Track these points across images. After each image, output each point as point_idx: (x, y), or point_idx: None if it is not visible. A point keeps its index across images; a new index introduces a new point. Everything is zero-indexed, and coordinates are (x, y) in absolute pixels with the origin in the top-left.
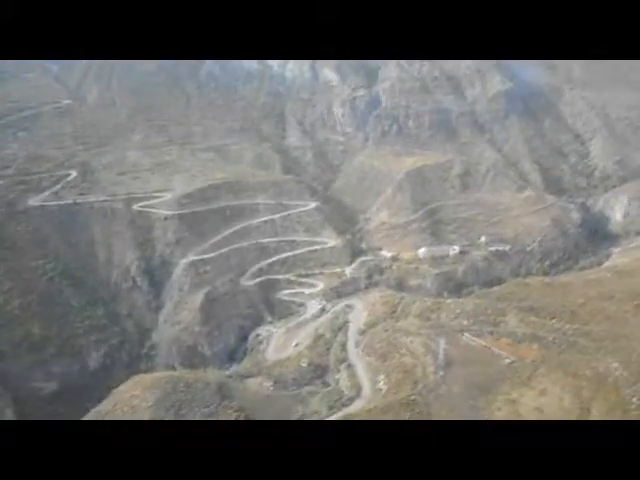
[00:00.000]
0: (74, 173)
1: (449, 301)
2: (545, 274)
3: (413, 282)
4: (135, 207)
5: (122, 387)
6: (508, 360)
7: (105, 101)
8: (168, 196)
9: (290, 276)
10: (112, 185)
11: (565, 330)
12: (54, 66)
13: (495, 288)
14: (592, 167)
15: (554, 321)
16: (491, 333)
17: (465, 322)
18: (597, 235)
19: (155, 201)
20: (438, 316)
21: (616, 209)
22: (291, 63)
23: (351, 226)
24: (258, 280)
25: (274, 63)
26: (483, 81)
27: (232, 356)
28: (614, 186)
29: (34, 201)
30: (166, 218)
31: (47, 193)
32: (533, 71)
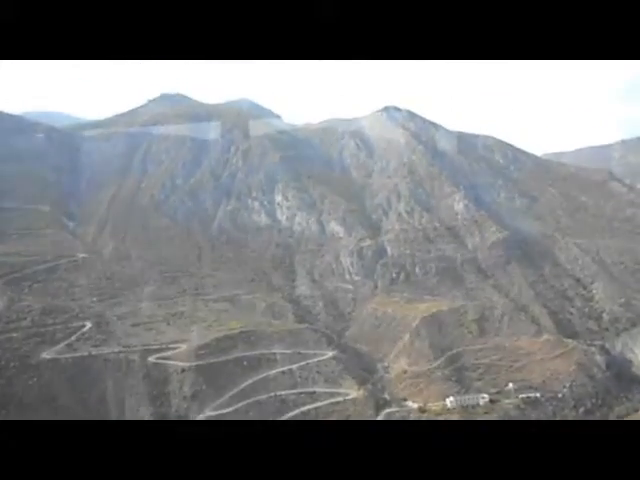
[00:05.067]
0: (88, 324)
1: None
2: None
3: None
4: (150, 359)
5: None
6: None
7: (119, 254)
8: (184, 347)
9: None
10: (126, 336)
11: None
12: (71, 223)
13: None
14: (599, 310)
15: None
16: None
17: None
18: (624, 379)
19: (170, 352)
20: None
21: (637, 352)
22: (298, 217)
23: (371, 375)
24: None
25: (282, 217)
26: (480, 230)
27: None
28: (625, 329)
29: (47, 354)
30: (183, 370)
31: (61, 345)
32: (524, 221)
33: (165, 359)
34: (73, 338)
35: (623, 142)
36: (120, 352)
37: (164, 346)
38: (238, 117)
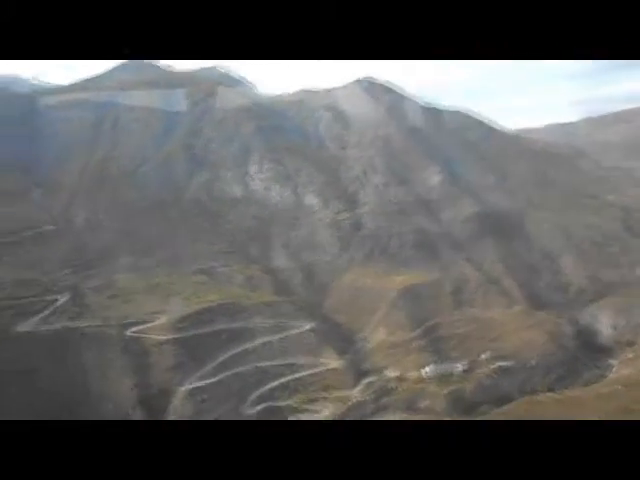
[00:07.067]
0: (63, 297)
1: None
2: (550, 390)
3: (423, 404)
4: (129, 332)
5: None
6: None
7: (90, 226)
8: (163, 319)
9: (293, 402)
10: (103, 309)
11: None
12: (38, 193)
13: (507, 406)
14: (567, 283)
15: None
16: None
17: None
18: (592, 348)
19: (150, 325)
20: None
21: (604, 322)
22: (274, 189)
23: (350, 346)
24: (260, 408)
25: (258, 189)
26: (454, 204)
27: None
28: (591, 300)
29: (22, 327)
30: (163, 343)
31: (36, 319)
32: (496, 196)
33: (144, 332)
34: (47, 312)
35: (589, 120)
36: (97, 325)
37: (143, 318)
38: (210, 86)
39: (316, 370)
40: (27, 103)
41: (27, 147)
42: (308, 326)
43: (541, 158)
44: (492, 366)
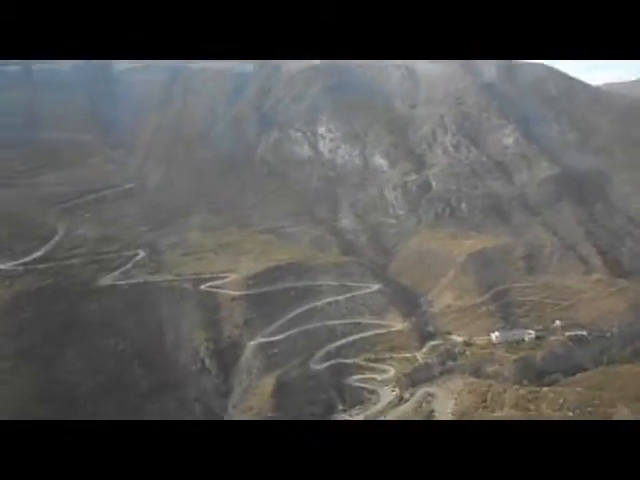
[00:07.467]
0: (142, 253)
1: (545, 389)
2: (629, 362)
3: (490, 369)
4: (203, 287)
5: None
6: None
7: (165, 185)
8: (233, 277)
9: (359, 360)
10: (178, 265)
11: None
12: (115, 153)
13: (580, 376)
14: None
15: None
16: None
17: (570, 413)
18: None
19: (221, 281)
20: (538, 407)
21: None
22: (342, 149)
23: (415, 308)
24: (327, 364)
25: (326, 150)
26: (530, 165)
27: None
28: None
29: (105, 280)
30: (234, 299)
31: (117, 272)
32: (577, 156)
33: (219, 287)
34: (128, 266)
35: None
36: (173, 280)
37: (214, 275)
38: None
39: (382, 330)
40: (102, 67)
41: (104, 109)
42: (374, 287)
43: (629, 115)
44: (566, 334)
